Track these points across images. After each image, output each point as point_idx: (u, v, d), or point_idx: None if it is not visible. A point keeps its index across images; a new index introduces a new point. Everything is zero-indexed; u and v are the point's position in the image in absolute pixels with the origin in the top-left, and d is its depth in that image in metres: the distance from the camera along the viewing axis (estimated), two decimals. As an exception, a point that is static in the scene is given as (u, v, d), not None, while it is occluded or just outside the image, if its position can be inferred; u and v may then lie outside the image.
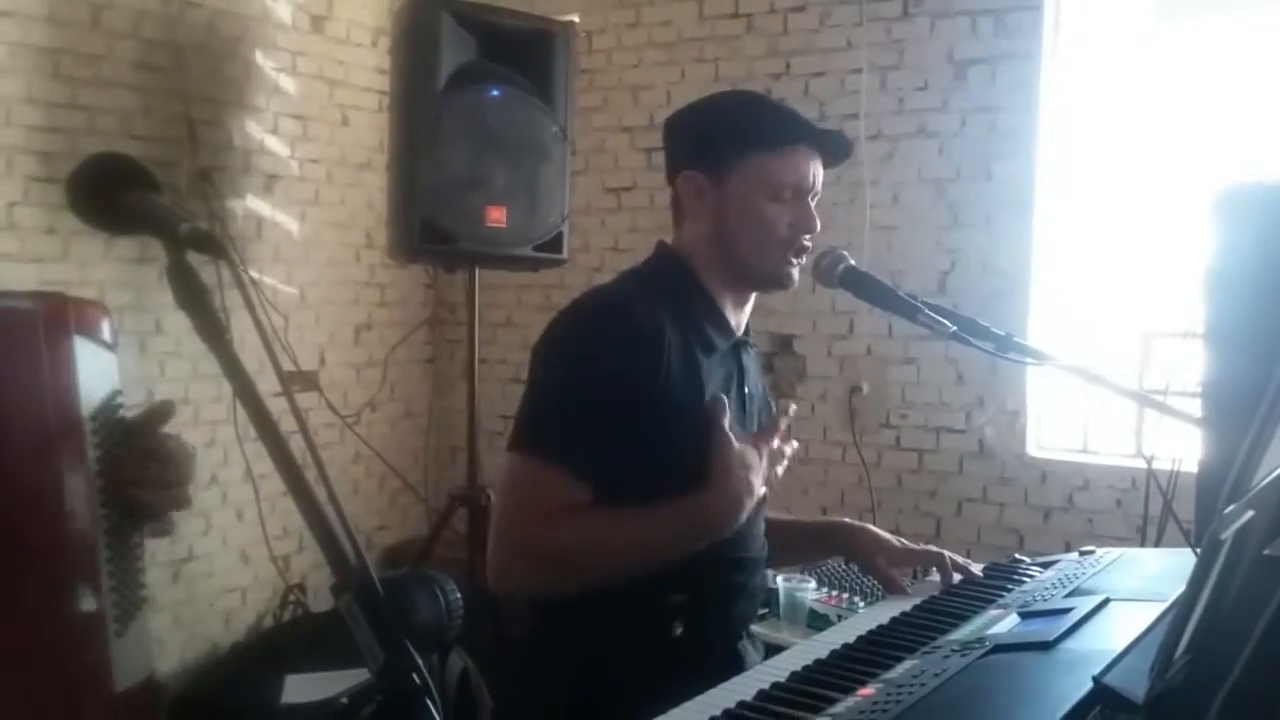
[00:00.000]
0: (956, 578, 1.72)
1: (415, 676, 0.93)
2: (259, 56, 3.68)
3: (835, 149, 1.68)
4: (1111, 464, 3.37)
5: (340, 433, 3.96)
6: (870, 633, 1.45)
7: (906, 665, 1.30)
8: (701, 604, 1.56)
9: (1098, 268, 3.49)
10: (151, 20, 3.33)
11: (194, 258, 1.04)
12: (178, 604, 3.42)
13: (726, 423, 1.51)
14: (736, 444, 1.51)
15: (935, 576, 1.74)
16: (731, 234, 1.63)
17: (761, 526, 1.74)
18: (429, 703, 0.93)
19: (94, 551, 1.17)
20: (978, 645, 1.32)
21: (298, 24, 3.80)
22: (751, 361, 1.76)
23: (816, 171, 1.65)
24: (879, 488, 3.70)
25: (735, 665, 1.54)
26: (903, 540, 1.79)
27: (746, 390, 1.70)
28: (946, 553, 1.76)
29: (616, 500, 1.51)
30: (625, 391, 1.51)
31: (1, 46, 2.98)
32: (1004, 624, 1.42)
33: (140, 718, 1.27)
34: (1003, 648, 1.30)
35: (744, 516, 1.51)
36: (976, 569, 1.75)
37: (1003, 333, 1.59)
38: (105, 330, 1.29)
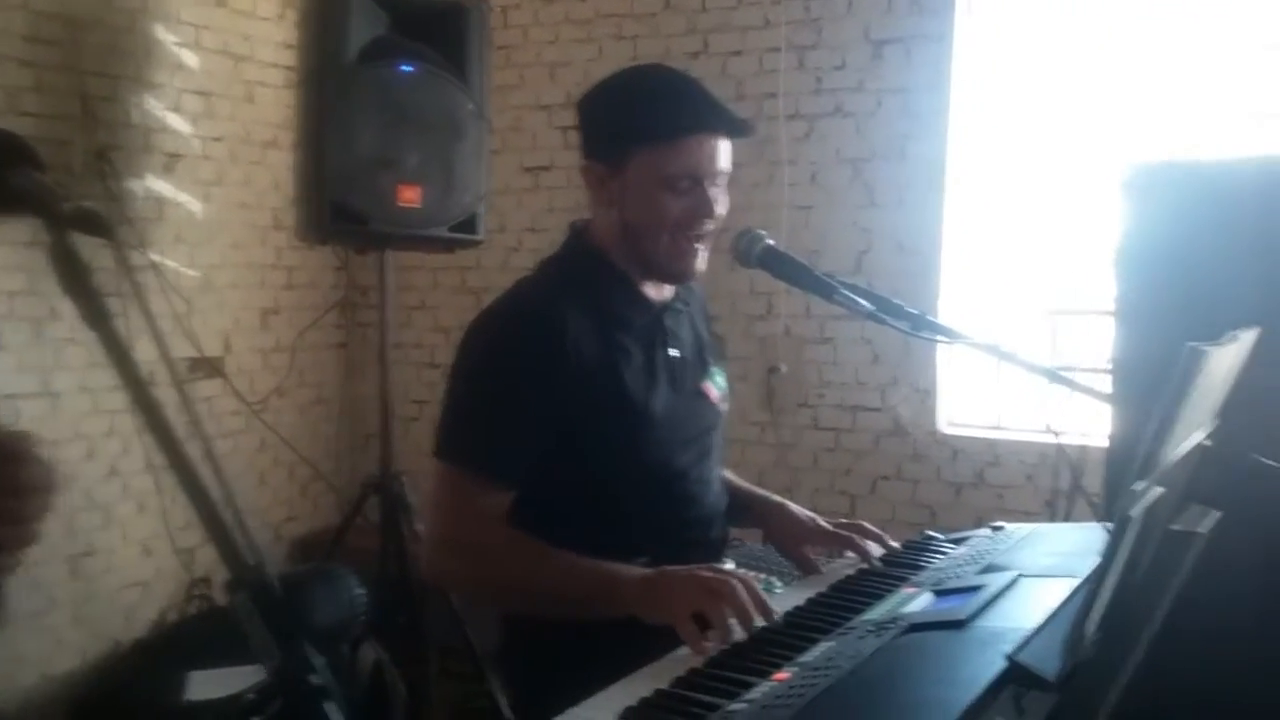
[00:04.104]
0: (876, 550, 1.72)
1: (313, 677, 0.89)
2: (160, 30, 3.53)
3: (732, 129, 1.67)
4: (1021, 440, 3.43)
5: (246, 420, 3.84)
6: (786, 615, 1.45)
7: (822, 648, 1.30)
8: (659, 564, 1.55)
9: (1008, 246, 3.55)
10: (43, -9, 3.17)
11: (85, 240, 0.98)
12: (77, 600, 3.30)
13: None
14: (708, 576, 1.44)
15: (851, 555, 1.75)
16: (631, 225, 1.66)
17: (716, 483, 1.79)
18: (329, 704, 0.89)
19: None
20: (892, 625, 1.32)
21: (199, -4, 3.66)
22: (680, 320, 1.78)
23: (716, 154, 1.63)
24: (796, 467, 3.73)
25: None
26: (818, 519, 1.79)
27: (671, 352, 1.73)
28: (867, 525, 1.77)
29: (544, 489, 1.61)
30: (530, 393, 1.58)
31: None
32: (918, 602, 1.43)
33: None
34: (917, 627, 1.30)
35: (654, 620, 1.43)
36: (894, 543, 1.77)
37: (917, 312, 1.60)
38: None
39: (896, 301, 1.62)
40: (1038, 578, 1.44)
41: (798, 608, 1.50)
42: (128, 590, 3.46)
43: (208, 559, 3.64)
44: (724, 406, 1.83)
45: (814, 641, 1.33)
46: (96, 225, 0.94)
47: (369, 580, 3.19)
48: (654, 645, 1.37)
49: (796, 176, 3.67)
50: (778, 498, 1.89)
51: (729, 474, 1.92)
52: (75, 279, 0.92)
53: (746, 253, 1.68)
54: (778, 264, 1.67)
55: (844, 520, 1.80)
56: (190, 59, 3.63)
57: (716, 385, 1.82)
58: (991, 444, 3.49)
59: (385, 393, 3.31)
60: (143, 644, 3.36)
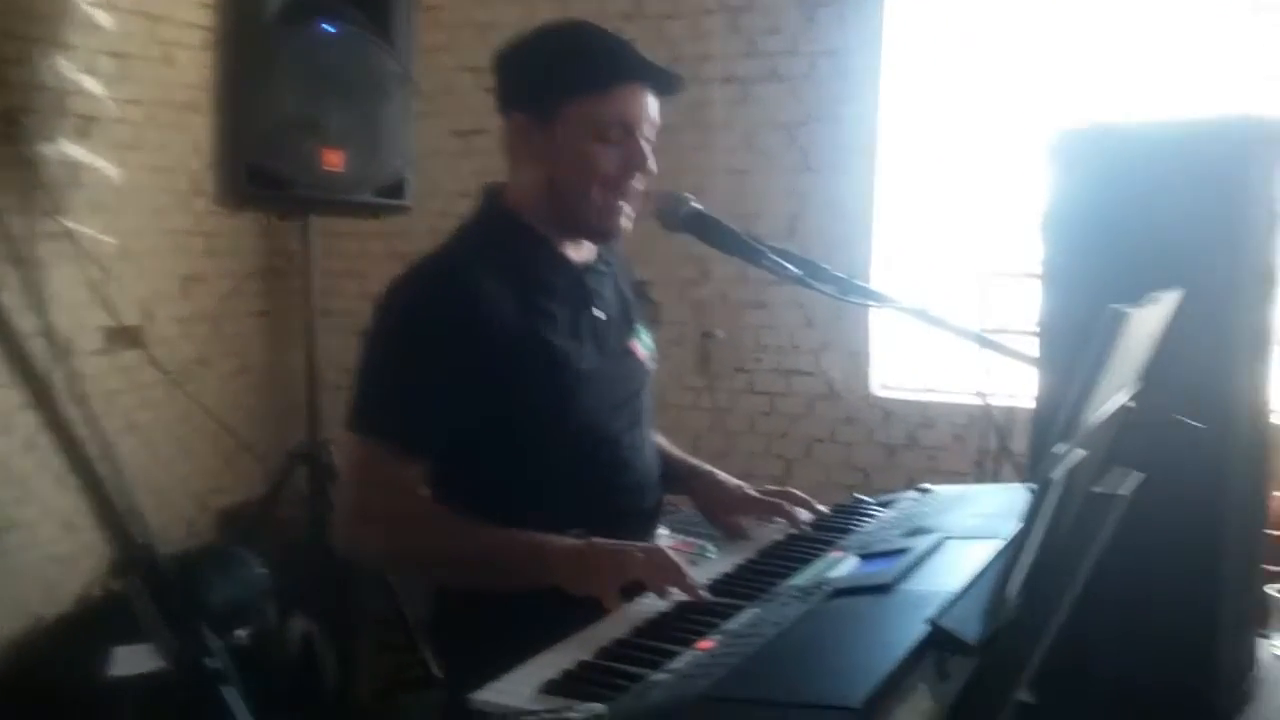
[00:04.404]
0: (805, 515, 1.71)
1: (210, 661, 0.85)
2: (71, -11, 3.39)
3: (663, 84, 1.64)
4: (952, 401, 3.46)
5: (169, 390, 3.75)
6: (713, 582, 1.43)
7: (747, 615, 1.29)
8: (593, 534, 1.52)
9: (940, 209, 3.56)
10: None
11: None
12: (-4, 575, 3.21)
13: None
14: (645, 548, 1.44)
15: (780, 522, 1.74)
16: (559, 180, 1.61)
17: (649, 449, 1.75)
18: (226, 688, 0.86)
19: None
20: (817, 590, 1.31)
21: (112, -46, 3.52)
22: (603, 281, 1.73)
23: (647, 106, 1.61)
24: (732, 431, 3.73)
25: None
26: (745, 487, 1.78)
27: (596, 313, 1.68)
28: (795, 491, 1.76)
29: (472, 462, 1.57)
30: (445, 361, 1.53)
31: None
32: (844, 567, 1.42)
33: None
34: (842, 592, 1.29)
35: (580, 592, 1.42)
36: (822, 508, 1.76)
37: (844, 276, 1.58)
38: None
39: (824, 265, 1.60)
40: (963, 540, 1.43)
41: (725, 574, 1.48)
42: (49, 565, 3.37)
43: (133, 533, 3.55)
44: (652, 366, 1.80)
45: (740, 609, 1.31)
46: None
47: (298, 551, 3.13)
48: (587, 616, 1.34)
49: (731, 141, 3.64)
50: (706, 465, 1.87)
51: (660, 439, 1.89)
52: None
53: (671, 216, 1.64)
54: (703, 228, 1.64)
55: (772, 487, 1.79)
56: (104, 19, 3.50)
57: (644, 345, 1.78)
58: (923, 406, 3.51)
59: (311, 361, 3.24)
60: (65, 619, 3.27)
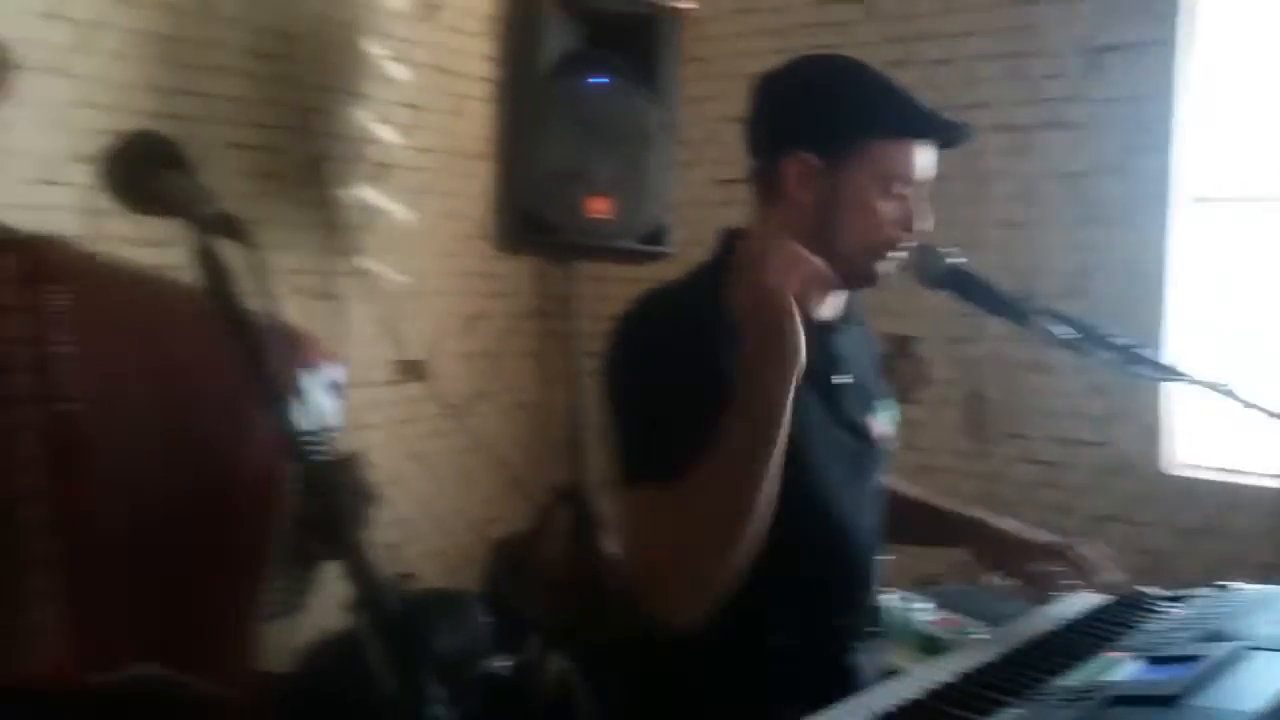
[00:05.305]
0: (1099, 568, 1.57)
1: (429, 710, 0.84)
2: (370, 44, 3.67)
3: (954, 141, 1.53)
4: (1262, 484, 3.09)
5: (451, 423, 3.95)
6: (976, 671, 1.31)
7: (1010, 714, 1.16)
8: (791, 638, 1.43)
9: (1245, 269, 3.22)
10: (262, 7, 3.34)
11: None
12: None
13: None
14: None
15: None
16: (834, 226, 1.49)
17: (870, 536, 1.58)
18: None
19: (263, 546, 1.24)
20: (1092, 695, 1.17)
21: (410, 12, 3.78)
22: (848, 346, 1.58)
23: (933, 161, 1.51)
24: (1005, 501, 3.49)
25: (845, 679, 1.42)
26: (1019, 528, 1.67)
27: (835, 379, 1.53)
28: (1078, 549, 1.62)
29: None
30: (700, 402, 1.36)
31: (117, 33, 3.01)
32: (1123, 670, 1.26)
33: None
34: (1120, 700, 1.14)
35: (791, 324, 1.28)
36: (1115, 574, 1.59)
37: (1130, 343, 1.41)
38: (330, 371, 1.40)
39: (1109, 332, 1.44)
40: (1268, 651, 1.24)
41: (987, 663, 1.35)
42: (336, 584, 3.58)
43: (412, 555, 3.70)
44: (892, 446, 1.63)
45: (1001, 705, 1.19)
46: (233, 230, 0.93)
47: (558, 588, 3.18)
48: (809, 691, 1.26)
49: (1007, 192, 3.46)
50: (973, 513, 1.73)
51: (912, 489, 1.76)
52: (214, 280, 0.93)
53: (929, 272, 1.51)
54: (963, 285, 1.50)
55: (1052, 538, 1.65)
56: (400, 72, 3.75)
57: (885, 420, 1.62)
58: (1228, 487, 3.16)
59: (573, 402, 3.32)
60: (350, 636, 3.44)
